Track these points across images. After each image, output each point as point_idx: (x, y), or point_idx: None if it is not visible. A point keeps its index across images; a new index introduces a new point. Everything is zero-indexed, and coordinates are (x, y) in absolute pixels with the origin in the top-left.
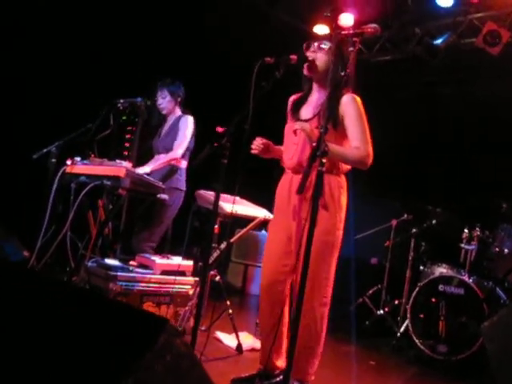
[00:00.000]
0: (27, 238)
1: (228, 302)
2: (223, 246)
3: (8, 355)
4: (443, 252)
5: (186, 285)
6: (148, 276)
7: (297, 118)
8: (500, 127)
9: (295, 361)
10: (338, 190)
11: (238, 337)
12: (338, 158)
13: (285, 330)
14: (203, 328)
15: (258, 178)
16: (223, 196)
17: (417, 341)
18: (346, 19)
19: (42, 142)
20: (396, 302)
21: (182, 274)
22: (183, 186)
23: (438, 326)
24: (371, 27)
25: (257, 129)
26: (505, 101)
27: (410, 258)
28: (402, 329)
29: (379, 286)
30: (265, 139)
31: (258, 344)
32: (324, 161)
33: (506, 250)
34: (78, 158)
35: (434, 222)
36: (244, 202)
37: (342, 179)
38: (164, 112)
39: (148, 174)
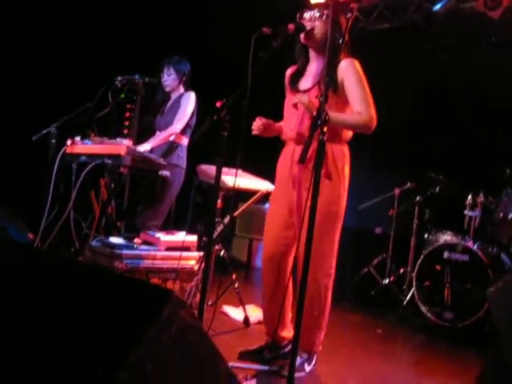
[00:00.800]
0: (30, 220)
1: (234, 276)
2: (227, 220)
3: (17, 333)
4: (447, 219)
5: (191, 260)
6: (153, 253)
7: (296, 90)
8: (502, 93)
9: (302, 332)
10: (342, 160)
11: (244, 310)
12: (340, 125)
13: (288, 301)
14: (210, 303)
15: (259, 151)
16: (225, 170)
17: (423, 308)
18: None
19: (41, 122)
20: (401, 271)
21: (187, 249)
22: (184, 163)
23: (443, 293)
24: None
25: (256, 100)
26: (507, 66)
27: (415, 226)
28: (407, 297)
29: (384, 256)
30: (264, 119)
31: None
32: (325, 130)
33: (510, 216)
34: (78, 138)
35: (437, 189)
36: (246, 175)
37: (345, 148)
38: (168, 89)
39: (149, 152)
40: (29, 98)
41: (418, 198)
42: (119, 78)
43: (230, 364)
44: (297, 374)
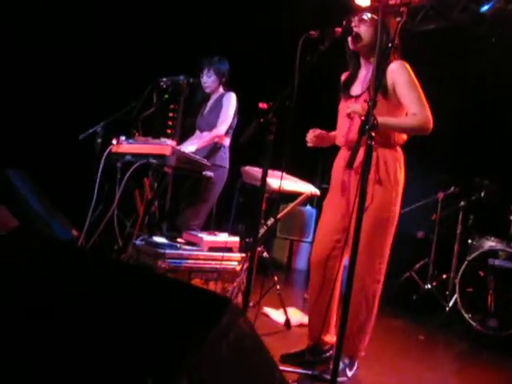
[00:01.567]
0: (76, 217)
1: (275, 278)
2: (270, 222)
3: (67, 335)
4: (492, 225)
5: (234, 261)
6: (196, 253)
7: (348, 96)
8: None
9: (346, 337)
10: (394, 164)
11: (286, 312)
12: (395, 129)
13: (334, 306)
14: (251, 304)
15: (303, 153)
16: (270, 172)
17: (466, 315)
18: None
19: (87, 122)
20: (444, 277)
21: (229, 250)
22: (227, 164)
23: (486, 301)
24: None
25: (305, 103)
26: None
27: (458, 232)
28: (450, 303)
29: (426, 260)
30: (317, 130)
31: (306, 319)
32: (373, 134)
33: None
34: (123, 138)
35: (482, 194)
36: (290, 177)
37: (398, 152)
38: (207, 90)
39: (193, 153)
40: (76, 97)
41: (462, 202)
42: (164, 79)
43: None
44: (339, 379)
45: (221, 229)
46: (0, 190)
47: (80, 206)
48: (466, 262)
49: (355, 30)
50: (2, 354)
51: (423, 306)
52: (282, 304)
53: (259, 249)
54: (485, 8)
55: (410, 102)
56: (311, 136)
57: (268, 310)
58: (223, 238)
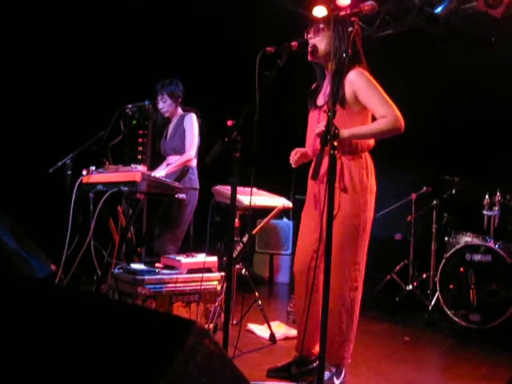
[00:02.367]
0: (52, 251)
1: (257, 294)
2: (245, 238)
3: (45, 371)
4: (466, 221)
5: (213, 281)
6: (175, 276)
7: (314, 106)
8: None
9: (330, 346)
10: (360, 171)
11: (270, 327)
12: (367, 137)
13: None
14: (234, 322)
15: (272, 168)
16: (240, 189)
17: (449, 312)
18: None
19: (55, 154)
20: (424, 276)
21: (208, 270)
22: (197, 184)
23: (468, 296)
24: (368, 5)
25: (268, 117)
26: None
27: (434, 230)
28: (432, 302)
29: (406, 262)
30: (299, 150)
31: (291, 332)
32: (336, 144)
33: None
34: (93, 167)
35: (453, 191)
36: (261, 192)
37: (364, 159)
38: (166, 115)
39: (163, 177)
40: (42, 131)
41: (434, 201)
42: (130, 106)
43: (259, 383)
44: None
45: (199, 249)
46: None
47: (55, 239)
48: (443, 260)
49: (311, 41)
50: None
51: (406, 307)
52: (265, 319)
53: (238, 266)
54: (439, 9)
55: (376, 104)
56: (296, 157)
57: (252, 327)
58: (201, 258)
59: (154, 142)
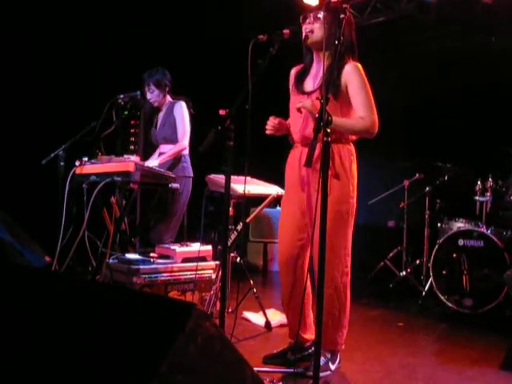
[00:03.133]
0: (46, 243)
1: (251, 282)
2: (239, 227)
3: (45, 359)
4: (459, 207)
5: (208, 270)
6: (170, 265)
7: (301, 91)
8: (503, 75)
9: (323, 332)
10: (349, 158)
11: (265, 314)
12: (342, 129)
13: (308, 303)
14: (230, 310)
15: (266, 156)
16: (234, 178)
17: (442, 297)
18: None
19: (48, 146)
20: (417, 262)
21: (203, 259)
22: (190, 173)
23: (461, 281)
24: None
25: (261, 106)
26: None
27: (427, 217)
28: (426, 287)
29: (399, 248)
30: (277, 118)
31: (286, 319)
32: (329, 131)
33: None
34: (86, 158)
35: (446, 177)
36: (255, 181)
37: (351, 147)
38: (155, 105)
39: (157, 167)
40: (35, 123)
41: (427, 188)
42: (121, 96)
43: (256, 369)
44: (322, 374)
45: (193, 238)
46: None
47: (50, 230)
48: (436, 246)
49: (309, 28)
50: None
51: (400, 293)
52: (260, 307)
53: (232, 255)
54: None
55: (360, 104)
56: (274, 123)
57: (248, 315)
58: (196, 247)
59: (146, 132)
